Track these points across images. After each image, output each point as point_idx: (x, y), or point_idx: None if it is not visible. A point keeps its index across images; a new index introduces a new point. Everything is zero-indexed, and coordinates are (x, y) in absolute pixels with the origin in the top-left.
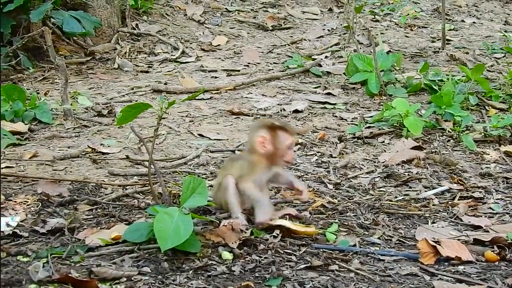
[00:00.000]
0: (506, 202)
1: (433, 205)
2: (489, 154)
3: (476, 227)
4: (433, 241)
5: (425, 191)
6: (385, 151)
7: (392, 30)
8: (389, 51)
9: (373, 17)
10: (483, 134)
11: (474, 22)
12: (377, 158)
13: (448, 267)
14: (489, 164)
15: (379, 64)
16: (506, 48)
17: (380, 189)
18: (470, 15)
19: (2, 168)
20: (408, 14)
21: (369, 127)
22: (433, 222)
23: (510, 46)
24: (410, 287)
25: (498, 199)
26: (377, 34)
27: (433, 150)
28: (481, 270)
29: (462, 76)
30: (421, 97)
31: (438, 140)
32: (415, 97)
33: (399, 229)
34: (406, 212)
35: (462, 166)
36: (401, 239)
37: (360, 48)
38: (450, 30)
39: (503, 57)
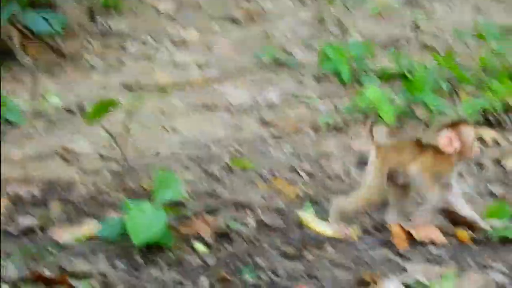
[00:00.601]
0: (478, 184)
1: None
2: None
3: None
4: (406, 225)
5: None
6: (359, 139)
7: (364, 20)
8: (362, 40)
9: (345, 7)
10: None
11: (445, 10)
12: (350, 146)
13: (420, 250)
14: None
15: (351, 54)
16: (478, 35)
17: (354, 176)
18: (442, 2)
19: None
20: (380, 4)
21: (343, 116)
22: None
23: (480, 32)
24: (384, 271)
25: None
26: (349, 25)
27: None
28: (453, 251)
29: (434, 63)
30: (394, 85)
31: (411, 127)
32: (388, 85)
33: (374, 215)
34: None
35: None
36: (376, 225)
37: (333, 38)
38: (422, 18)
39: (475, 43)
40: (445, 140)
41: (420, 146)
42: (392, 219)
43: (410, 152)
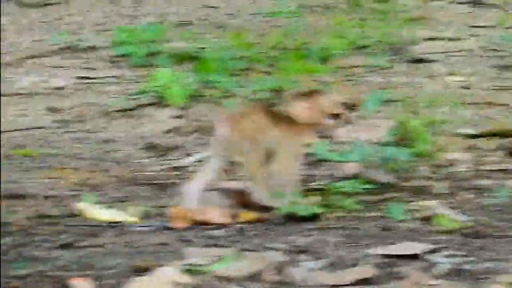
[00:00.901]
0: None
1: (193, 172)
2: None
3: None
4: (185, 207)
5: (187, 159)
6: (148, 122)
7: (158, 0)
8: (155, 22)
9: None
10: (246, 98)
11: None
12: (140, 130)
13: (201, 232)
14: None
15: (143, 36)
16: (271, 13)
17: (141, 160)
18: None
19: None
20: None
21: (133, 99)
22: None
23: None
24: (161, 255)
25: None
26: (143, 5)
27: (197, 118)
28: (234, 233)
29: (228, 43)
30: (187, 66)
31: (203, 108)
32: (180, 66)
33: (158, 199)
34: (166, 181)
35: None
36: (160, 208)
37: (127, 20)
38: None
39: (270, 22)
40: (300, 109)
41: (273, 116)
42: (258, 197)
43: (263, 122)
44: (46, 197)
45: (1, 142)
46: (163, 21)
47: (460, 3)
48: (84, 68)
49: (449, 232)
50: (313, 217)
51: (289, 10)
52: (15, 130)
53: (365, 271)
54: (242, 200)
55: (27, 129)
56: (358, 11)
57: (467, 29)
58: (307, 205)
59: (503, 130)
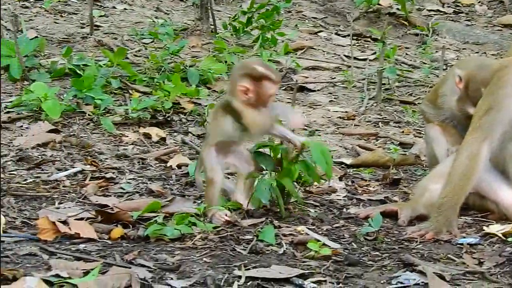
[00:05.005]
0: (138, 181)
1: (63, 186)
2: (128, 136)
3: (103, 206)
4: (58, 220)
5: (57, 173)
6: (21, 135)
7: (42, 17)
8: (36, 36)
9: (23, 3)
10: (123, 116)
11: (125, 9)
12: (12, 142)
13: (69, 246)
14: (127, 145)
15: (21, 49)
16: (152, 34)
17: (11, 172)
18: (122, 1)
19: None
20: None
21: (8, 112)
22: (60, 203)
23: (157, 32)
24: (27, 266)
25: (130, 179)
26: (24, 20)
27: (71, 133)
28: (102, 248)
29: (108, 61)
30: (65, 82)
31: (78, 124)
32: (59, 82)
33: (25, 210)
34: (34, 194)
35: (99, 148)
36: (25, 220)
37: (7, 34)
38: (100, 16)
39: (151, 42)
40: (241, 88)
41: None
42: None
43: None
44: None
45: None
46: (44, 36)
47: (344, 36)
48: None
49: (321, 258)
50: (181, 237)
51: (170, 31)
52: None
53: None
54: (110, 215)
55: None
56: (242, 37)
57: (348, 60)
58: (174, 225)
59: (379, 161)
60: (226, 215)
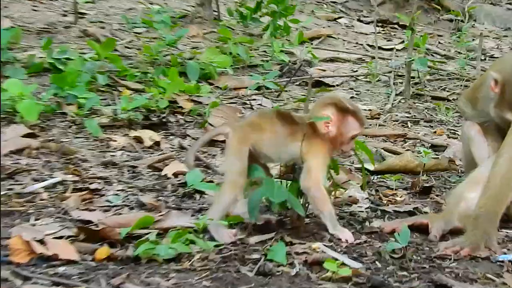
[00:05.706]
0: (128, 193)
1: (40, 200)
2: (116, 141)
3: (87, 222)
4: (33, 239)
5: (33, 184)
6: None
7: (18, 3)
8: (12, 26)
9: None
10: (111, 118)
11: None
12: None
13: (46, 269)
14: (115, 151)
15: None
16: (146, 22)
17: None
18: None
19: None
20: None
21: None
22: (37, 219)
23: (151, 20)
24: None
25: (119, 190)
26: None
27: (50, 138)
28: (85, 271)
29: (94, 54)
30: (44, 79)
31: (58, 126)
32: (36, 79)
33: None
34: (6, 209)
35: (83, 155)
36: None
37: None
38: (86, 2)
39: (145, 31)
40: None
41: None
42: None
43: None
44: None
45: None
46: (21, 27)
47: (367, 23)
48: None
49: (340, 279)
50: (177, 257)
51: (167, 19)
52: None
53: None
54: (95, 233)
55: None
56: (250, 25)
57: (372, 51)
58: (169, 244)
59: (407, 166)
60: (235, 235)
